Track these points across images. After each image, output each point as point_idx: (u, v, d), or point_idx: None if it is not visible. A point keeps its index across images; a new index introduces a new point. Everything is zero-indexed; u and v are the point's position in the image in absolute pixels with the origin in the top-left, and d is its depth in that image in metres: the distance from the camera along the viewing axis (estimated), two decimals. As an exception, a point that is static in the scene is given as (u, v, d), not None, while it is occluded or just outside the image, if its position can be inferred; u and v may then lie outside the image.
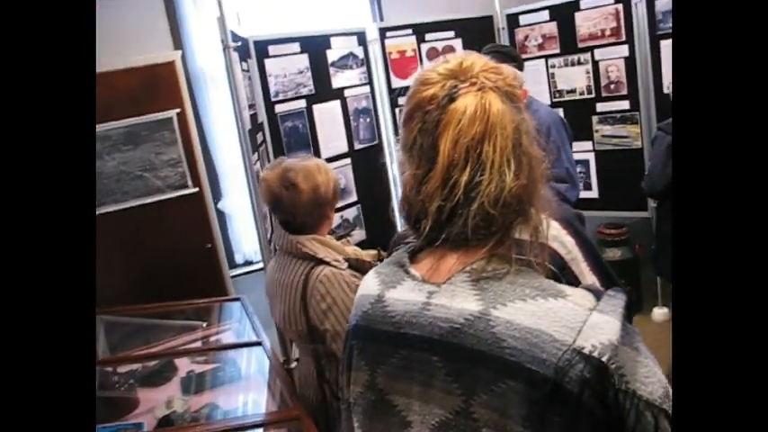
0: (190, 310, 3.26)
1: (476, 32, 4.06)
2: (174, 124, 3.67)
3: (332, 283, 1.87)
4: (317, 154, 3.63)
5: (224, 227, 4.23)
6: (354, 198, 3.94)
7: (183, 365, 2.61)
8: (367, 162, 4.00)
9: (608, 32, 3.96)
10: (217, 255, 3.90)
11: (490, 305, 0.90)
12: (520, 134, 0.95)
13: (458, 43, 4.18)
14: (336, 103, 3.84)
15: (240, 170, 4.11)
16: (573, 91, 4.19)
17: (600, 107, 4.11)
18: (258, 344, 2.45)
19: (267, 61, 3.49)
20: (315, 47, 3.72)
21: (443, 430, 0.94)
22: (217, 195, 4.14)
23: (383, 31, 4.11)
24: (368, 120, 4.01)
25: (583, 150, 4.17)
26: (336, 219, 3.72)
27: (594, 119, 4.14)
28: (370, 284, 1.09)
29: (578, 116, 4.11)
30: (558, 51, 4.17)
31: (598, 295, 0.90)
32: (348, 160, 3.89)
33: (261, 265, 4.38)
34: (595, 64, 4.06)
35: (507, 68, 1.01)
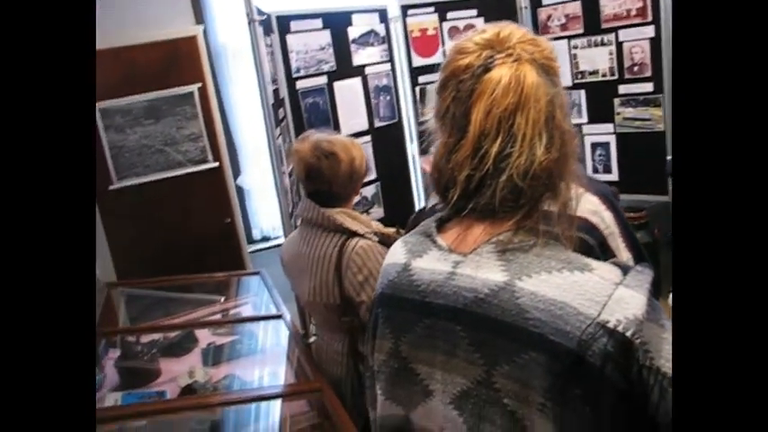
0: (209, 283, 3.30)
1: (498, 11, 4.01)
2: (195, 99, 3.69)
3: (368, 255, 1.89)
4: (338, 131, 3.62)
5: (242, 203, 4.24)
6: (373, 176, 3.94)
7: (204, 337, 2.65)
8: (387, 140, 3.99)
9: (633, 13, 3.89)
10: (236, 230, 3.93)
11: (515, 276, 0.90)
12: (553, 107, 0.94)
13: (480, 22, 4.13)
14: (357, 81, 3.82)
15: (259, 146, 4.14)
16: (595, 72, 4.14)
17: (622, 89, 4.05)
18: (278, 317, 2.47)
19: (289, 37, 3.47)
20: (337, 23, 3.70)
21: (465, 400, 0.95)
22: (235, 171, 4.16)
23: (405, 9, 4.08)
24: (388, 98, 4.00)
25: (603, 133, 4.14)
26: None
27: (616, 101, 4.09)
28: (397, 253, 1.10)
29: (600, 98, 4.06)
30: (581, 32, 4.11)
31: (625, 270, 0.90)
32: (368, 138, 3.88)
33: (279, 241, 4.42)
34: (619, 45, 4.00)
35: (544, 41, 1.01)
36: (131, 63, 3.58)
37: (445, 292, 0.96)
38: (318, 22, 3.61)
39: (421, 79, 4.08)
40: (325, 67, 3.66)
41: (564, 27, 4.16)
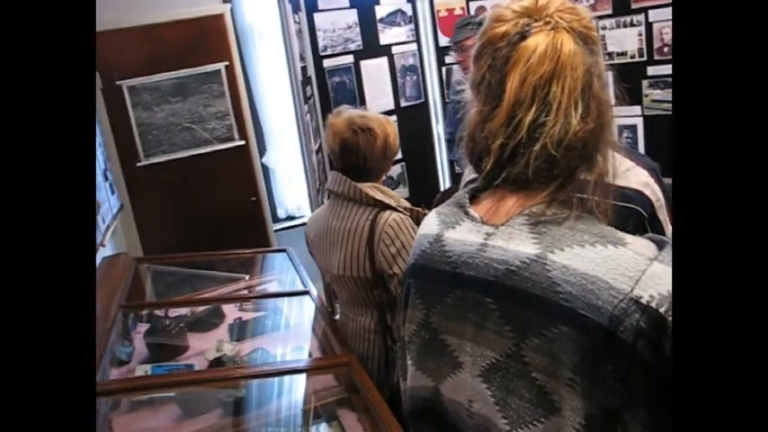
0: (235, 260, 3.32)
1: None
2: (222, 77, 3.70)
3: (400, 228, 1.89)
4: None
5: (267, 181, 4.27)
6: (399, 156, 3.94)
7: (230, 313, 2.67)
8: (412, 120, 3.98)
9: (664, -8, 3.84)
10: (261, 208, 3.96)
11: (547, 249, 0.88)
12: (591, 77, 0.92)
13: (506, 1, 4.11)
14: (384, 60, 3.82)
15: (284, 125, 4.15)
16: (623, 54, 4.08)
17: (651, 71, 4.00)
18: (305, 293, 2.48)
19: (316, 15, 3.48)
20: (364, 2, 3.69)
21: (494, 372, 0.94)
22: (260, 150, 4.18)
23: (432, -12, 4.06)
24: (414, 78, 3.99)
25: (630, 115, 4.09)
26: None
27: (645, 83, 4.03)
28: (429, 224, 1.08)
29: (628, 80, 3.99)
30: (610, 12, 4.06)
31: (660, 245, 0.87)
32: (394, 118, 3.87)
33: (304, 220, 4.44)
34: (649, 26, 3.94)
35: (584, 9, 0.99)
36: (159, 41, 3.60)
37: (476, 264, 0.95)
38: (345, 1, 3.61)
39: (447, 59, 4.06)
40: (352, 46, 3.66)
41: (593, 8, 4.10)
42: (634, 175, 1.28)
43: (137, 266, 2.97)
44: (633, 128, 4.12)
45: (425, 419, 1.12)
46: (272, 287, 2.99)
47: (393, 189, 3.69)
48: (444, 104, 4.15)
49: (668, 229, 1.24)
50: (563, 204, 0.92)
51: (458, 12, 4.12)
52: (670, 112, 3.94)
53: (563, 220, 0.90)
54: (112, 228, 3.16)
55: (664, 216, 1.26)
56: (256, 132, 4.13)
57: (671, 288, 0.81)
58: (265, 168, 4.25)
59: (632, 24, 3.99)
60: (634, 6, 3.95)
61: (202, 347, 2.33)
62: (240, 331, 2.50)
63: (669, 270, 0.83)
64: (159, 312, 2.65)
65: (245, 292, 2.99)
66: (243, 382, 1.97)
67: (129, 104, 3.61)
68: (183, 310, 2.69)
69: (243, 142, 3.82)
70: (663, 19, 3.88)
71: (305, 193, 4.46)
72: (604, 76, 0.95)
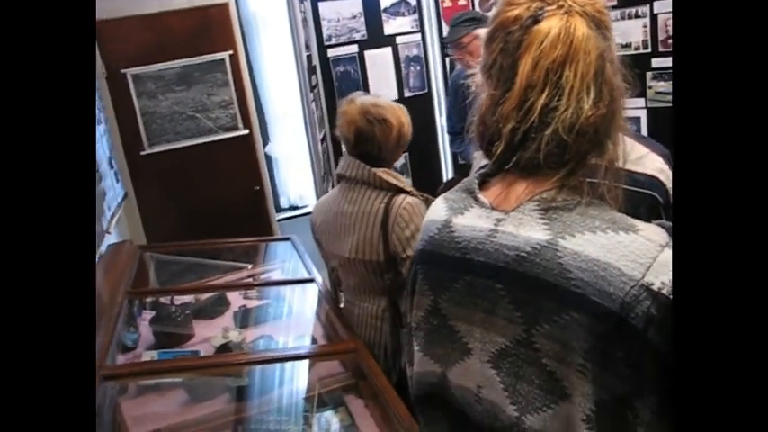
0: (239, 249, 3.33)
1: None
2: (226, 66, 3.70)
3: (414, 211, 1.91)
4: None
5: (270, 171, 4.27)
6: (403, 146, 3.94)
7: (235, 300, 2.68)
8: (416, 111, 3.96)
9: (669, -16, 3.83)
10: (264, 197, 3.96)
11: (558, 235, 0.88)
12: (603, 62, 0.91)
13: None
14: (388, 50, 3.82)
15: (287, 115, 4.16)
16: (628, 45, 4.07)
17: (656, 63, 3.99)
18: (311, 280, 2.49)
19: (321, 5, 3.47)
20: (368, -8, 3.69)
21: (503, 358, 0.94)
22: (264, 140, 4.18)
23: (436, -21, 4.06)
24: (418, 68, 3.98)
25: (635, 107, 4.08)
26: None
27: (649, 75, 4.03)
28: (438, 210, 1.08)
29: (631, 72, 4.01)
30: (615, 3, 4.05)
31: (671, 232, 0.87)
32: (398, 107, 3.88)
33: (307, 210, 4.45)
34: (654, 17, 3.94)
35: None
36: (164, 30, 3.60)
37: (486, 250, 0.95)
38: (350, -10, 3.61)
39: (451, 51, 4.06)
40: (357, 36, 3.66)
41: (597, -1, 4.10)
42: (649, 161, 1.28)
43: (141, 254, 2.98)
44: (637, 120, 4.12)
45: (432, 404, 1.12)
46: (276, 276, 3.00)
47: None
48: (446, 97, 4.15)
49: None
50: (574, 190, 0.92)
51: (462, 2, 4.12)
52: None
53: (574, 206, 0.90)
54: (117, 216, 3.17)
55: None
56: (260, 122, 4.13)
57: None
58: (268, 158, 4.25)
59: (637, 16, 3.99)
60: (639, -2, 3.95)
61: (207, 335, 2.34)
62: (245, 319, 2.51)
63: None
64: (164, 300, 2.66)
65: (250, 280, 3.00)
66: (248, 369, 1.98)
67: (133, 93, 3.61)
68: (188, 298, 2.69)
69: (247, 131, 3.82)
70: (668, 11, 3.87)
71: (308, 183, 4.47)
72: (617, 62, 0.95)
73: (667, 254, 0.83)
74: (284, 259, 3.09)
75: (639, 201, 1.20)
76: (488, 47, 0.98)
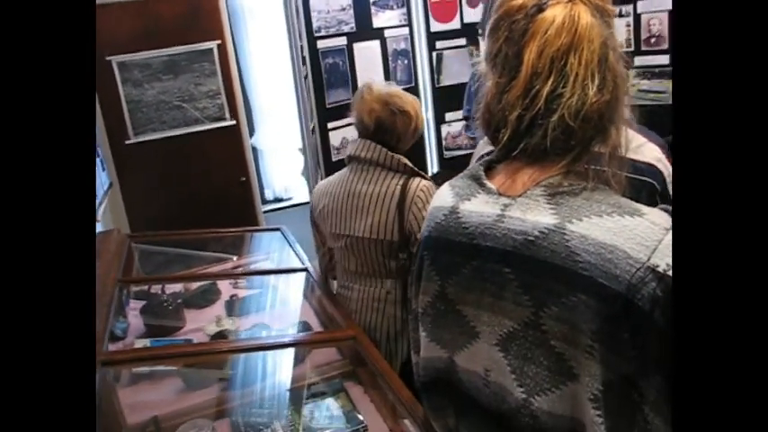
0: (226, 240, 3.29)
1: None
2: (214, 55, 3.68)
3: (430, 193, 1.98)
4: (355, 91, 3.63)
5: (255, 163, 4.25)
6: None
7: (225, 290, 2.65)
8: (403, 104, 3.98)
9: (653, -16, 3.89)
10: (250, 188, 3.94)
11: (566, 219, 0.90)
12: (607, 49, 0.93)
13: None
14: (376, 43, 3.82)
15: (273, 107, 4.14)
16: (611, 44, 4.13)
17: (638, 61, 4.06)
18: (304, 270, 2.49)
19: (312, -4, 3.47)
20: (358, -16, 3.69)
21: (511, 341, 0.96)
22: (249, 131, 4.15)
23: (424, -27, 4.06)
24: (405, 62, 3.99)
25: (617, 105, 4.14)
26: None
27: (632, 73, 4.09)
28: (444, 196, 1.09)
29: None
30: (599, 2, 4.11)
31: None
32: (384, 101, 3.88)
33: (292, 202, 4.44)
34: (637, 17, 3.99)
35: None
36: (152, 17, 3.56)
37: (494, 234, 0.96)
38: (340, -18, 3.60)
39: (438, 44, 4.08)
40: (345, 28, 3.65)
41: (582, -3, 4.14)
42: (648, 150, 1.31)
43: (129, 243, 2.94)
44: (619, 117, 4.18)
45: (439, 390, 1.15)
46: (265, 266, 2.98)
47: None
48: (434, 89, 4.16)
49: None
50: (579, 176, 0.94)
51: (450, -3, 4.13)
52: (657, 102, 4.00)
53: (580, 190, 0.92)
54: (103, 205, 3.13)
55: None
56: (245, 113, 4.11)
57: None
58: (253, 150, 4.23)
59: (620, 15, 4.03)
60: (623, -3, 4.00)
61: (198, 324, 2.32)
62: (236, 308, 2.49)
63: None
64: (153, 289, 2.63)
65: (241, 270, 2.98)
66: (232, 359, 1.97)
67: (118, 81, 3.57)
68: (177, 287, 2.67)
69: (234, 122, 3.80)
70: (651, 10, 3.93)
71: (293, 175, 4.47)
72: (619, 49, 0.97)
73: (671, 237, 0.85)
74: (273, 250, 3.07)
75: (640, 187, 1.23)
76: (493, 35, 1.00)
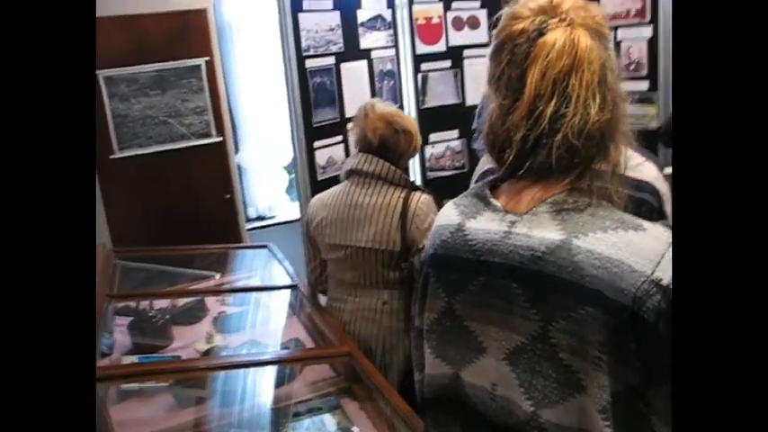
0: (211, 257, 3.27)
1: (501, 5, 4.06)
2: (202, 72, 3.68)
3: (430, 208, 2.09)
4: (343, 112, 3.64)
5: (239, 180, 4.24)
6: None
7: (213, 307, 2.63)
8: (388, 125, 4.01)
9: (633, 13, 3.97)
10: (235, 206, 3.93)
11: (572, 235, 0.93)
12: (605, 70, 0.97)
13: (483, 14, 4.19)
14: (363, 63, 3.84)
15: (258, 125, 4.14)
16: (592, 70, 4.21)
17: (619, 87, 4.14)
18: (294, 287, 2.48)
19: (301, 15, 3.48)
20: (347, 5, 3.71)
21: (519, 355, 0.98)
22: (234, 149, 4.15)
23: (412, -4, 4.11)
24: (391, 83, 4.02)
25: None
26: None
27: (613, 98, 4.17)
28: (448, 215, 1.12)
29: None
30: (581, 29, 4.18)
31: None
32: (370, 121, 3.90)
33: (275, 221, 4.43)
34: (617, 44, 4.08)
35: (595, 7, 1.04)
36: (140, 32, 3.56)
37: (501, 251, 0.99)
38: (329, 3, 3.62)
39: (423, 66, 4.12)
40: (334, 48, 3.67)
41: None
42: (646, 169, 1.35)
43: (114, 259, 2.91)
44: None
45: (443, 406, 1.15)
46: (251, 283, 2.96)
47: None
48: (418, 110, 4.20)
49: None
50: (582, 192, 0.97)
51: (435, 21, 4.18)
52: (638, 126, 4.07)
53: (584, 207, 0.96)
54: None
55: (668, 210, 1.33)
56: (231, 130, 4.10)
57: None
58: (238, 167, 4.22)
59: (602, 42, 4.12)
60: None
61: (186, 341, 2.30)
62: (225, 324, 2.47)
63: None
64: (141, 305, 2.60)
65: (228, 286, 2.96)
66: (238, 372, 1.95)
67: (105, 95, 3.55)
68: (164, 303, 2.64)
69: (220, 139, 3.80)
70: (630, 37, 4.02)
71: (277, 194, 4.46)
72: (617, 70, 1.00)
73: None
74: (257, 267, 3.06)
75: (639, 204, 1.27)
76: (495, 59, 1.03)
